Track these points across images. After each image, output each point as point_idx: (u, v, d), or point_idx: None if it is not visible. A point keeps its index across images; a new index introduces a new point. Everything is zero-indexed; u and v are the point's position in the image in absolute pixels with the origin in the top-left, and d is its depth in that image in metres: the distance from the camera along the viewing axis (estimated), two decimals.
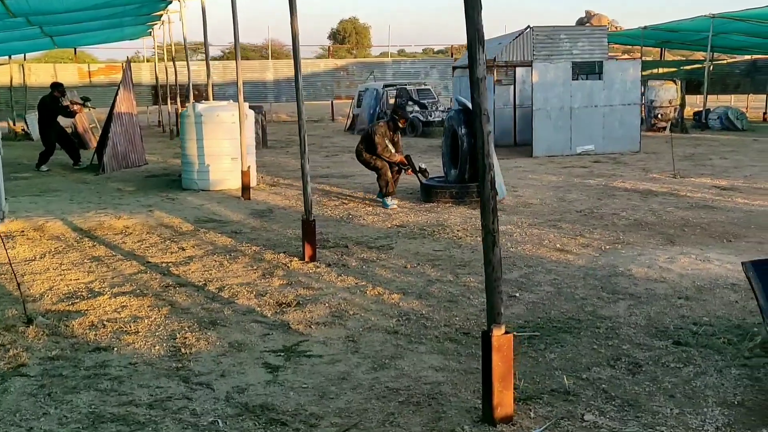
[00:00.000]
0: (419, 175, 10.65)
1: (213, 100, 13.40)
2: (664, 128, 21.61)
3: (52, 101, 15.28)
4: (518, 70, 18.58)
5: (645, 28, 26.51)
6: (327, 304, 5.83)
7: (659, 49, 34.33)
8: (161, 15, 21.70)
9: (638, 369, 4.39)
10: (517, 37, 16.46)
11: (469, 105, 10.38)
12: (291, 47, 7.76)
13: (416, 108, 23.57)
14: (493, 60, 16.06)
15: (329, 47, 48.39)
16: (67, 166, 15.60)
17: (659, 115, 21.96)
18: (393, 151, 10.29)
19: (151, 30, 25.91)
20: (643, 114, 22.90)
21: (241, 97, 10.86)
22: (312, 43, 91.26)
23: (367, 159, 10.38)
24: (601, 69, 16.37)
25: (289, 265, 7.09)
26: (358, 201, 10.70)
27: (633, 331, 5.05)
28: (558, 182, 12.22)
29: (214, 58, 44.94)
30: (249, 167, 10.98)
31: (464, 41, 3.56)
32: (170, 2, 18.06)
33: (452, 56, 34.29)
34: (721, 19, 22.31)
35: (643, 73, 29.69)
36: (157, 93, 28.73)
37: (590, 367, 4.44)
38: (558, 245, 7.62)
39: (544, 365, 4.51)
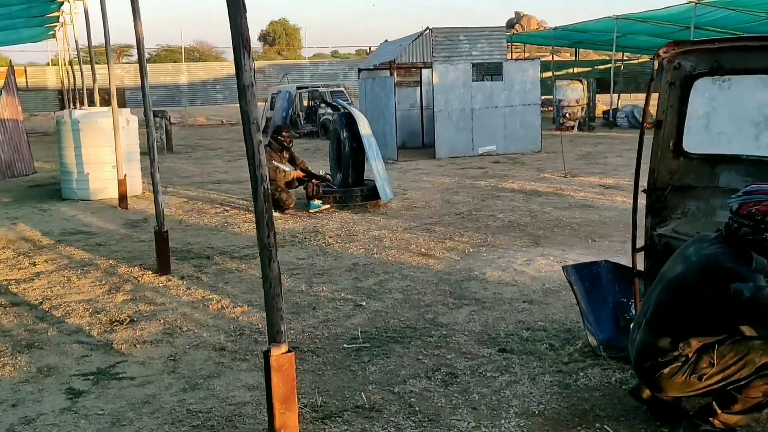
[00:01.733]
0: (322, 182, 10.37)
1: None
2: (572, 127, 22.02)
3: None
4: (424, 71, 18.57)
5: (555, 29, 27.00)
6: (163, 321, 5.57)
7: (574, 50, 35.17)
8: (58, 16, 20.87)
9: (453, 380, 4.30)
10: (416, 39, 16.44)
11: (351, 109, 10.30)
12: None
13: (328, 110, 23.35)
14: (393, 61, 15.97)
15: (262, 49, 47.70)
16: None
17: (567, 114, 22.35)
18: (287, 170, 10.01)
19: (53, 32, 24.97)
20: (553, 113, 23.38)
21: (114, 103, 10.43)
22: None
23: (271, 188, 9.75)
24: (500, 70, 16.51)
25: (141, 279, 6.78)
26: (240, 208, 10.42)
27: (464, 339, 4.97)
28: (449, 184, 12.21)
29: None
30: (126, 175, 10.54)
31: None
32: (62, 3, 17.36)
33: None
34: (624, 20, 22.90)
35: (558, 73, 30.35)
36: (63, 98, 27.71)
37: (406, 380, 4.33)
38: (423, 250, 7.54)
39: (360, 379, 4.37)
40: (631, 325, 3.97)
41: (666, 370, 3.37)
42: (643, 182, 4.37)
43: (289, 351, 3.46)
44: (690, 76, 4.04)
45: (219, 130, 28.73)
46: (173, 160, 17.39)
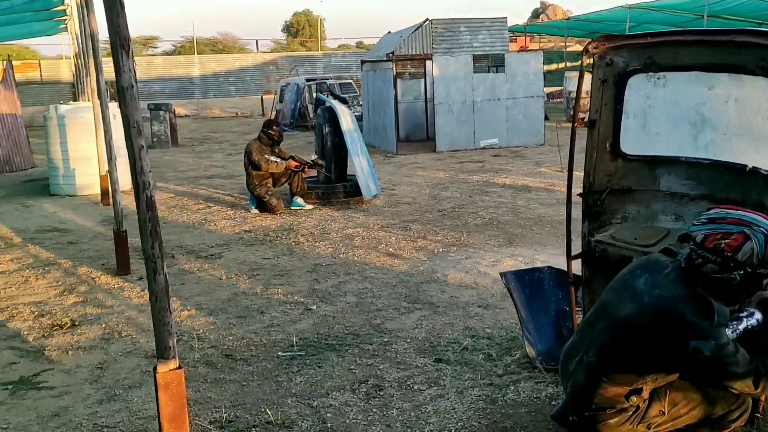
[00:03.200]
0: (316, 167, 10.22)
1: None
2: (584, 119, 21.53)
3: None
4: (428, 63, 18.26)
5: (568, 19, 26.49)
6: (104, 325, 5.44)
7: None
8: (64, 9, 20.89)
9: (377, 393, 4.10)
10: (415, 30, 16.13)
11: (332, 103, 10.09)
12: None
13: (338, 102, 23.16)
14: (391, 53, 15.70)
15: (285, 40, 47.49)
16: None
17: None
18: (278, 161, 9.83)
19: (65, 25, 25.08)
20: (564, 105, 22.92)
21: (95, 97, 10.32)
22: (266, 37, 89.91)
23: (255, 183, 9.56)
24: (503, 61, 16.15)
25: (98, 280, 6.67)
26: (224, 204, 10.29)
27: (404, 348, 4.76)
28: (442, 179, 11.96)
29: (166, 53, 43.95)
30: (108, 171, 10.43)
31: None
32: None
33: None
34: (637, 9, 22.36)
35: (571, 64, 29.81)
36: (77, 91, 27.87)
37: (329, 393, 4.14)
38: (392, 249, 7.32)
39: (282, 391, 4.19)
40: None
41: (612, 421, 3.02)
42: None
43: (179, 368, 3.28)
44: (623, 72, 3.77)
45: (231, 122, 28.66)
46: (175, 154, 17.36)
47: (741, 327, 2.97)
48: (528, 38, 38.61)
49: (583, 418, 3.12)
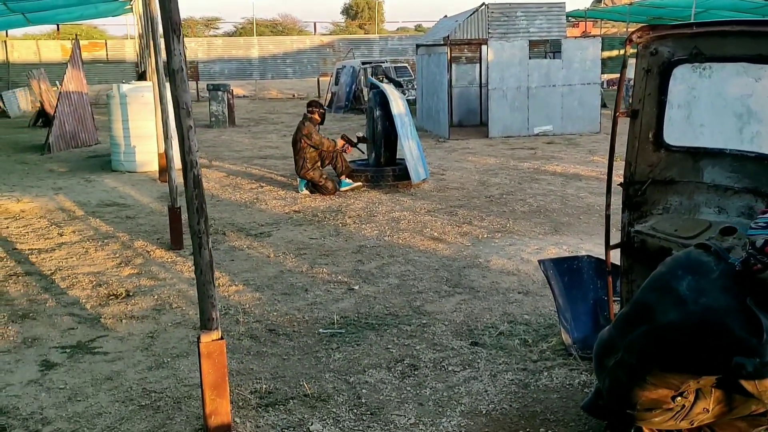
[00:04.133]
0: (358, 146, 10.43)
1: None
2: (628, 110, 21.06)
3: None
4: (484, 48, 18.14)
5: (631, 4, 25.84)
6: (157, 296, 5.69)
7: None
8: None
9: (412, 372, 4.21)
10: (471, 15, 16.03)
11: (383, 87, 10.16)
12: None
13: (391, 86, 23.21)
14: (447, 38, 15.63)
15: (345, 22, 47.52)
16: (24, 147, 15.55)
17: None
18: (335, 140, 10.04)
19: (130, 5, 25.75)
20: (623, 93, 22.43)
21: (155, 77, 10.63)
22: (325, 19, 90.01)
23: (308, 167, 9.62)
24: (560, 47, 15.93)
25: (153, 253, 6.95)
26: (276, 185, 10.52)
27: (441, 330, 4.85)
28: (493, 165, 11.93)
29: (228, 34, 44.67)
30: (167, 149, 10.77)
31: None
32: None
33: None
34: None
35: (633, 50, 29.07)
36: (140, 70, 28.60)
37: (366, 370, 4.26)
38: (436, 234, 7.39)
39: (320, 367, 4.33)
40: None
41: (657, 420, 3.02)
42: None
43: (221, 338, 3.46)
44: (668, 62, 3.74)
45: (287, 104, 29.01)
46: (231, 134, 17.72)
47: None
48: (590, 23, 37.81)
49: (624, 415, 3.11)
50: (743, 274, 2.74)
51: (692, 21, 3.72)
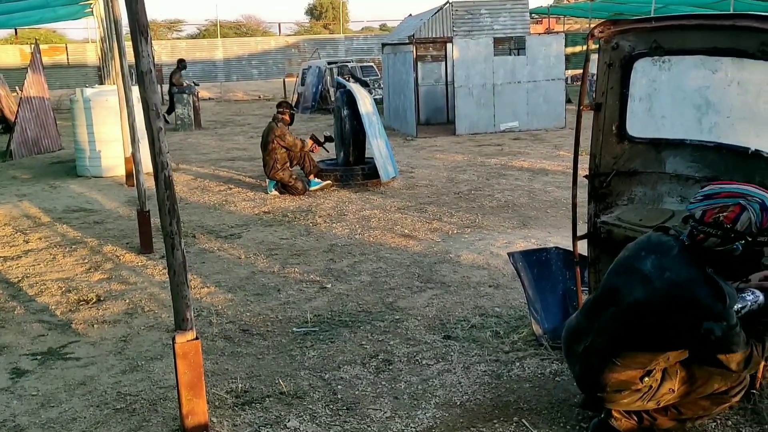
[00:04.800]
0: (324, 146, 10.44)
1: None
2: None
3: None
4: (449, 46, 18.26)
5: (593, 0, 26.18)
6: (128, 301, 5.65)
7: None
8: None
9: (387, 367, 4.25)
10: (436, 13, 16.13)
11: (350, 87, 10.20)
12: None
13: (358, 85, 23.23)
14: (412, 36, 15.72)
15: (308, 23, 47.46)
16: None
17: None
18: (305, 141, 10.03)
19: (91, 8, 25.39)
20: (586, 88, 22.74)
21: (119, 81, 10.53)
22: (289, 20, 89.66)
23: (278, 167, 9.59)
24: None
25: (122, 257, 6.89)
26: (244, 186, 10.48)
27: (414, 325, 4.90)
28: (460, 162, 12.03)
29: (191, 37, 44.25)
30: (132, 153, 10.66)
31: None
32: None
33: None
34: None
35: (596, 46, 29.50)
36: (103, 74, 28.22)
37: (341, 366, 4.30)
38: (407, 231, 7.45)
39: (295, 365, 4.36)
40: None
41: (625, 401, 3.15)
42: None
43: (196, 338, 3.46)
44: (629, 56, 3.84)
45: (254, 105, 28.83)
46: (198, 137, 17.57)
47: (744, 310, 3.07)
48: (554, 20, 38.24)
49: (594, 398, 3.25)
50: (692, 246, 2.95)
51: (652, 16, 3.85)
